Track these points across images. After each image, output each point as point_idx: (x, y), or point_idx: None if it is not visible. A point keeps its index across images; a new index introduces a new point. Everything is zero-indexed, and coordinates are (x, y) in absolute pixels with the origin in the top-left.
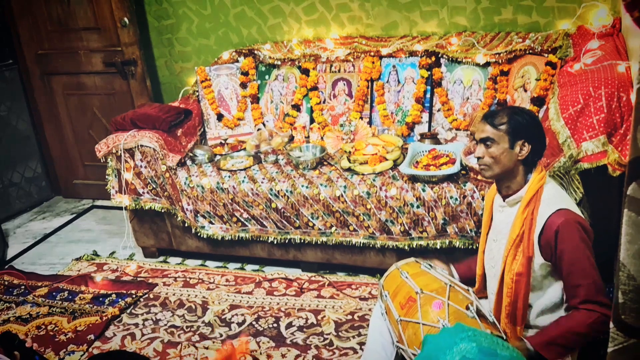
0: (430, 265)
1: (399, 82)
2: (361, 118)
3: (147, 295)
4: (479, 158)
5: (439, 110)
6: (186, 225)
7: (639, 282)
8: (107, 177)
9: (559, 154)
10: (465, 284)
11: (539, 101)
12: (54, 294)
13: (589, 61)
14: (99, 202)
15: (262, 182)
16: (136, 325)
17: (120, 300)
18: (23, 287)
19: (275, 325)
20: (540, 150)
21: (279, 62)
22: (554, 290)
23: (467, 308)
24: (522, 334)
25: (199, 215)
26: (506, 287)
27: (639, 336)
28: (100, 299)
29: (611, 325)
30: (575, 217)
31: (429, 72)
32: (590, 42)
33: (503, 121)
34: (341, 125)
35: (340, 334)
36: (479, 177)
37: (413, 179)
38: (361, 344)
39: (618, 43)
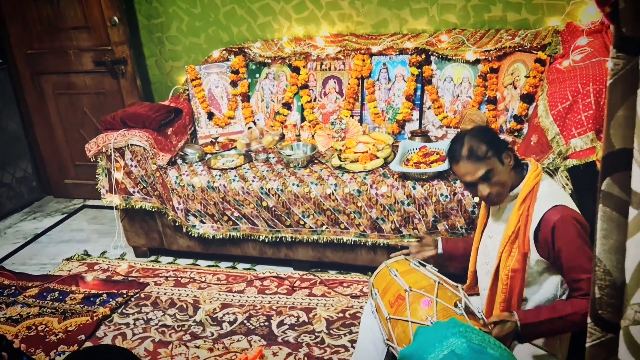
0: (419, 263)
1: (389, 79)
2: (352, 116)
3: (138, 295)
4: (487, 195)
5: (429, 107)
6: (177, 224)
7: (615, 277)
8: (97, 176)
9: (548, 151)
10: (449, 260)
11: (528, 98)
12: (44, 294)
13: (577, 58)
14: (90, 202)
15: (253, 181)
16: (127, 325)
17: (111, 300)
18: (13, 287)
19: (266, 323)
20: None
21: (270, 61)
22: (550, 285)
23: (456, 305)
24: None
25: (189, 214)
26: (501, 283)
27: (616, 331)
28: (91, 298)
29: (589, 320)
30: (572, 213)
31: (419, 70)
32: (579, 39)
33: (485, 149)
34: (332, 124)
35: (331, 331)
36: None
37: (404, 176)
38: (352, 341)
39: (607, 40)
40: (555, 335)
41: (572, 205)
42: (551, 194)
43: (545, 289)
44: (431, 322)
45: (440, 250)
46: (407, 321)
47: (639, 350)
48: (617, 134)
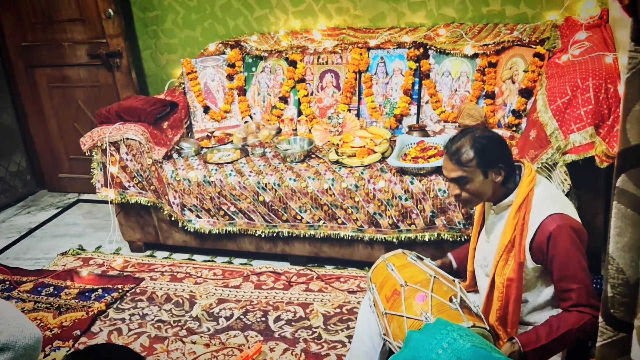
0: (417, 257)
1: (387, 73)
2: (349, 110)
3: (133, 290)
4: (456, 196)
5: (427, 102)
6: (173, 219)
7: (628, 275)
8: (92, 170)
9: (546, 146)
10: (464, 269)
11: (526, 93)
12: (39, 289)
13: (576, 52)
14: (85, 196)
15: (249, 175)
16: (123, 320)
17: (106, 295)
18: (8, 282)
19: (263, 319)
20: (512, 163)
21: (266, 54)
22: (549, 289)
23: (451, 300)
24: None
25: (185, 209)
26: (497, 291)
27: (628, 330)
28: (86, 293)
29: (600, 319)
30: (569, 222)
31: (417, 64)
32: (578, 34)
33: (470, 157)
34: (329, 118)
35: (328, 327)
36: None
37: (401, 171)
38: (349, 337)
39: (605, 34)
40: (555, 354)
41: (569, 210)
42: (547, 199)
43: (545, 293)
44: (426, 318)
45: (454, 266)
46: (403, 316)
47: None
48: (634, 129)
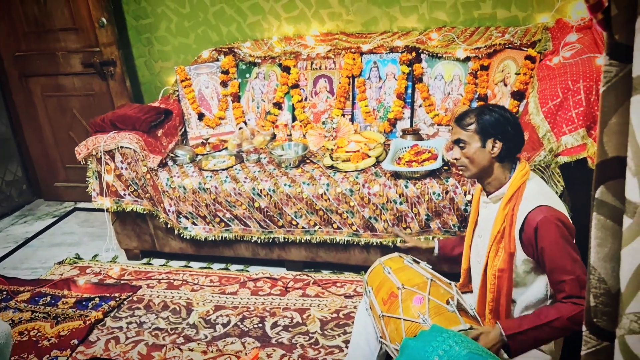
0: (413, 260)
1: (380, 78)
2: (343, 115)
3: (130, 298)
4: (456, 159)
5: (420, 106)
6: (169, 226)
7: (610, 285)
8: (87, 179)
9: (539, 148)
10: (446, 258)
11: (518, 95)
12: (36, 298)
13: (567, 54)
14: (81, 205)
15: (244, 182)
16: (120, 328)
17: (103, 303)
18: (5, 292)
19: (260, 325)
20: (517, 145)
21: (260, 60)
22: (538, 286)
23: (448, 302)
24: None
25: (181, 216)
26: (489, 283)
27: (611, 339)
28: (84, 302)
29: (584, 328)
30: (556, 214)
31: (410, 68)
32: (569, 36)
33: (471, 121)
34: (323, 123)
35: (325, 332)
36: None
37: (396, 175)
38: (346, 342)
39: (596, 36)
40: (545, 343)
41: (558, 205)
42: (537, 193)
43: (534, 290)
44: (423, 320)
45: (437, 252)
46: (400, 319)
47: (635, 359)
48: (611, 142)
